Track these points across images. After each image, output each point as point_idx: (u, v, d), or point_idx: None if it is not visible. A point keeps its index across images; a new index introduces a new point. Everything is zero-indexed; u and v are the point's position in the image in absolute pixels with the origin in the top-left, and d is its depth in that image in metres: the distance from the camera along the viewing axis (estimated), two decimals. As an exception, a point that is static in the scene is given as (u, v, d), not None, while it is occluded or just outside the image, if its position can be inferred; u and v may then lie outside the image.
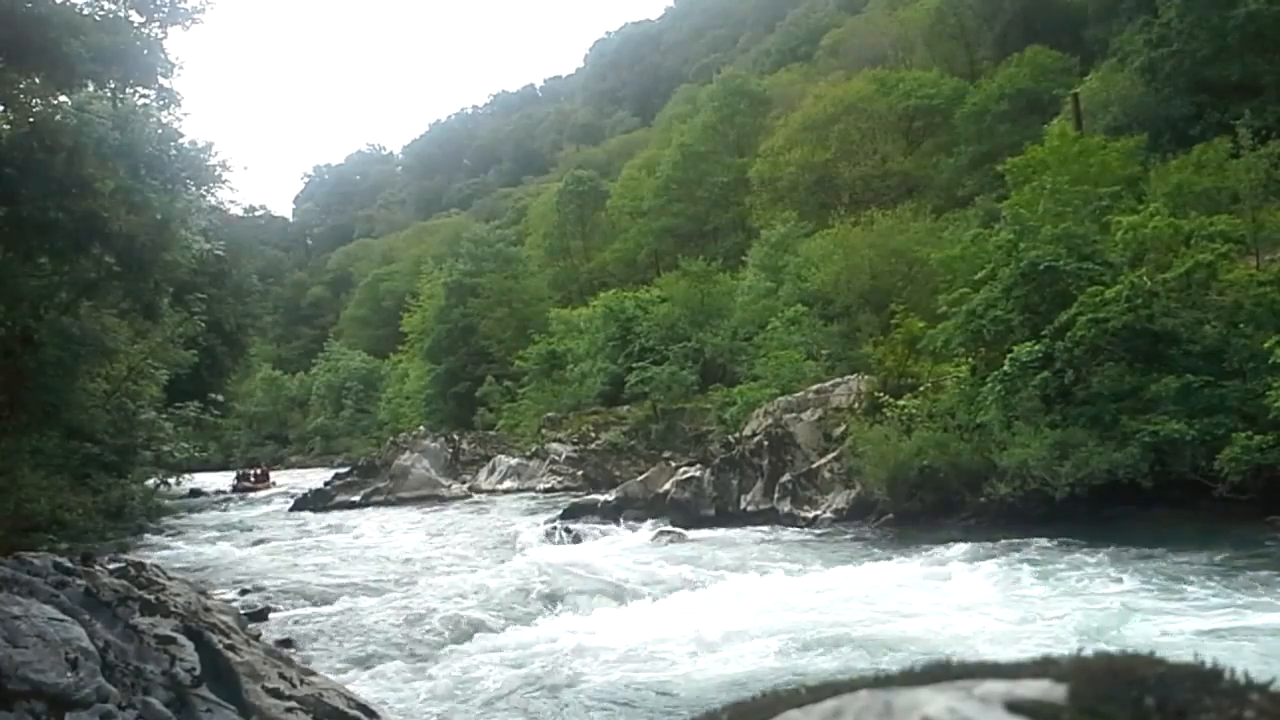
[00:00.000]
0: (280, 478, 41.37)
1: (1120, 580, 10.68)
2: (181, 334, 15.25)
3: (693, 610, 10.73)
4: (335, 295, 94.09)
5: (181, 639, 5.60)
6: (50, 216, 9.39)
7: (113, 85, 9.98)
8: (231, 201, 17.82)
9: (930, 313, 19.36)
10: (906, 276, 25.70)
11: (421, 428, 38.66)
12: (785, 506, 17.94)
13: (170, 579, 7.12)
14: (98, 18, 9.56)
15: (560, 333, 39.43)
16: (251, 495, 31.50)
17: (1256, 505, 12.80)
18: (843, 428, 18.54)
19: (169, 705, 5.13)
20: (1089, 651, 0.62)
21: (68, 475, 12.58)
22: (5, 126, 10.12)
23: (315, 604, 11.93)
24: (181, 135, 12.44)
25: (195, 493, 30.41)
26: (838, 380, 21.06)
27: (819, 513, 17.41)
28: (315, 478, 37.91)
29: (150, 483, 17.62)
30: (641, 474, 21.83)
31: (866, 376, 20.01)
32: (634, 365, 31.75)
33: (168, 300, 12.43)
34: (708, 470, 19.56)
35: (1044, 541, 12.99)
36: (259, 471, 33.96)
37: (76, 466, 13.17)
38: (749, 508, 18.61)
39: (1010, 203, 19.82)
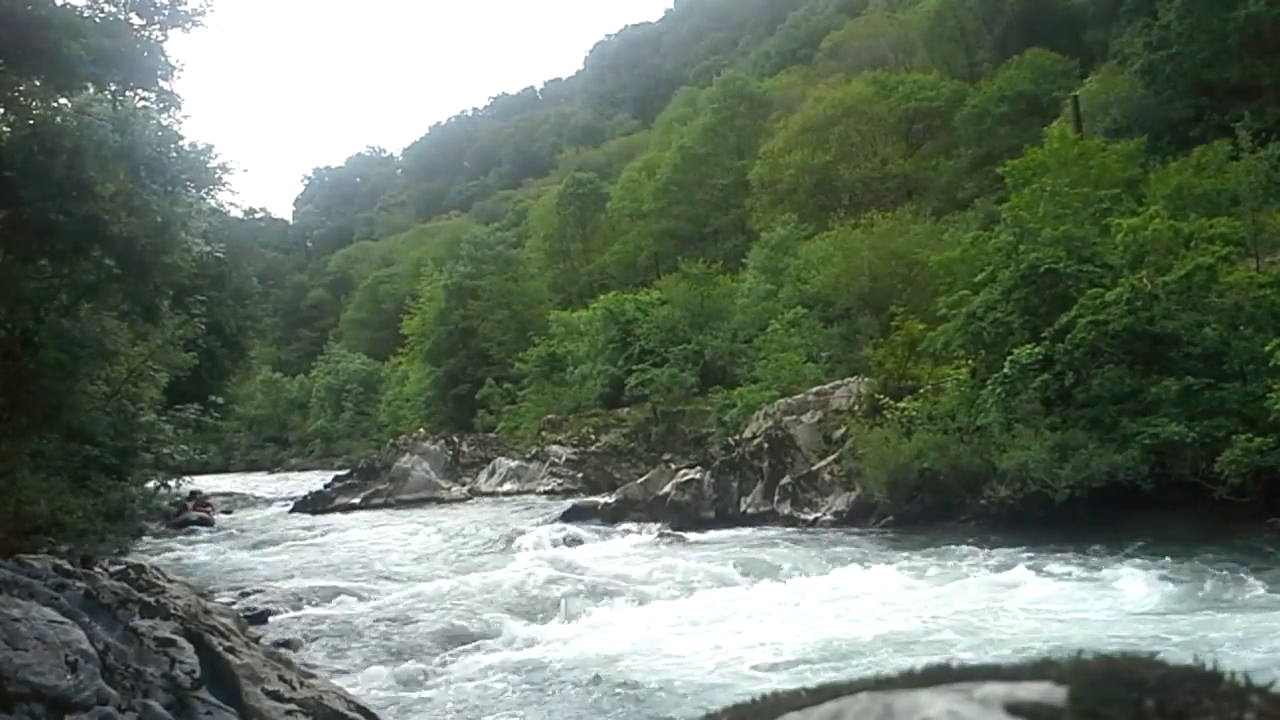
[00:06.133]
0: (263, 488, 40.97)
1: (1120, 582, 10.68)
2: (182, 336, 15.21)
3: (691, 612, 10.73)
4: (335, 298, 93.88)
5: (181, 641, 5.61)
6: (50, 219, 9.39)
7: (113, 88, 9.99)
8: (232, 204, 17.72)
9: (930, 315, 19.35)
10: (906, 279, 25.69)
11: (421, 430, 38.56)
12: (785, 509, 17.93)
13: (170, 581, 7.11)
14: (98, 20, 9.56)
15: (560, 335, 39.36)
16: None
17: (1257, 507, 12.79)
18: (843, 430, 18.54)
19: (169, 708, 5.13)
20: (1089, 654, 0.62)
21: (67, 478, 12.55)
22: (5, 129, 10.13)
23: (315, 606, 11.92)
24: (182, 138, 12.37)
25: (195, 495, 30.36)
26: (838, 382, 21.04)
27: (819, 515, 17.41)
28: (263, 488, 36.85)
29: (150, 485, 17.59)
30: (641, 476, 21.80)
31: (866, 379, 19.99)
32: (634, 367, 31.70)
33: (168, 303, 12.41)
34: (708, 473, 19.56)
35: (1044, 544, 12.98)
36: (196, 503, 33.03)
37: (76, 469, 13.14)
38: (749, 510, 18.60)
39: (1010, 205, 19.82)
